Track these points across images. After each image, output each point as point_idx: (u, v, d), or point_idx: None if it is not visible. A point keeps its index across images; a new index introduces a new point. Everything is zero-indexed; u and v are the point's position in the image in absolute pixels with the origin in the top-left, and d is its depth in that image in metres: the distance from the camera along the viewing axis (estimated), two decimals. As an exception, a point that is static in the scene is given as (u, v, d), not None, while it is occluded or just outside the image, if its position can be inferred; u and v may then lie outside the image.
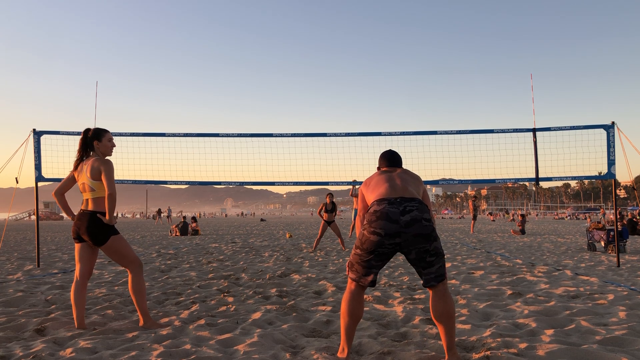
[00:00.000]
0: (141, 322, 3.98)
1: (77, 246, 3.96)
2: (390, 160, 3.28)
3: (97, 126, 4.19)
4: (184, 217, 21.08)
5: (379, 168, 3.37)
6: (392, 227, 2.78)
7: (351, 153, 8.56)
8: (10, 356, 3.17)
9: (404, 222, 2.78)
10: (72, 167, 4.08)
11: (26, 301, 5.10)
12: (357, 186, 12.43)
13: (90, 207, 3.83)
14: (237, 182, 8.73)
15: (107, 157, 3.96)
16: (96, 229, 3.78)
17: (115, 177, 8.49)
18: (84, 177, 3.85)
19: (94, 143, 3.92)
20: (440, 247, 2.91)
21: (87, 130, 3.96)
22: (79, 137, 8.57)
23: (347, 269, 3.04)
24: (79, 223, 3.84)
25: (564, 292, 5.40)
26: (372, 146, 8.61)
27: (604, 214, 24.33)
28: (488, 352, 3.11)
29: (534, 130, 8.07)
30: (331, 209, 11.58)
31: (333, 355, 3.07)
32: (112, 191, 3.73)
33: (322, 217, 11.50)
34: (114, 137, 8.60)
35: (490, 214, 66.09)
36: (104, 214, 3.81)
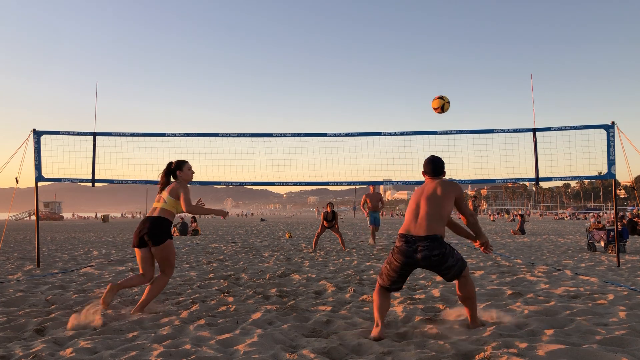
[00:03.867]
0: (134, 310, 4.50)
1: (137, 253, 4.57)
2: (429, 168, 3.98)
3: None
4: (182, 218, 21.02)
5: (423, 172, 4.05)
6: (409, 261, 3.67)
7: (351, 153, 8.56)
8: (10, 356, 3.17)
9: (417, 257, 3.63)
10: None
11: (26, 301, 5.11)
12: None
13: (156, 214, 4.57)
14: (237, 182, 8.72)
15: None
16: (157, 231, 4.47)
17: (115, 177, 8.54)
18: (164, 194, 4.67)
19: (177, 172, 4.77)
20: (453, 262, 3.66)
21: (170, 163, 4.82)
22: (79, 137, 8.59)
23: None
24: (142, 226, 4.53)
25: (564, 292, 5.40)
26: (372, 146, 8.61)
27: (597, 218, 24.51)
28: (488, 352, 3.12)
29: (534, 130, 8.07)
30: (331, 218, 11.58)
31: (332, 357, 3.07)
32: (189, 209, 4.55)
33: (323, 223, 11.60)
34: (113, 137, 8.62)
35: (498, 213, 65.61)
36: (164, 219, 4.56)
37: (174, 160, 4.86)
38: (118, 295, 5.41)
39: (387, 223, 37.75)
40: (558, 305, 4.59)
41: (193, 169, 4.86)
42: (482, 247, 3.98)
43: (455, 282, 3.78)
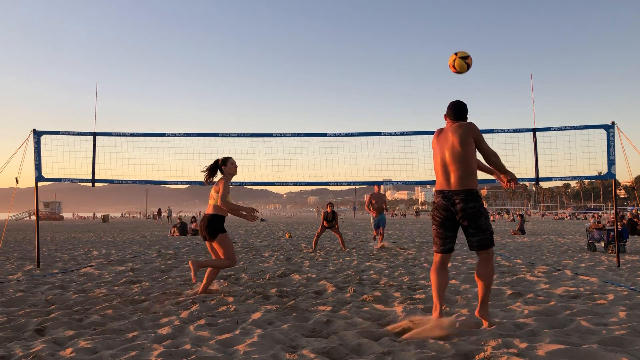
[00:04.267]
0: (200, 291, 5.33)
1: (207, 244, 5.39)
2: (450, 112, 3.93)
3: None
4: (180, 218, 21.00)
5: (445, 116, 3.99)
6: (449, 214, 3.77)
7: (351, 153, 8.56)
8: (10, 356, 3.17)
9: (456, 209, 3.72)
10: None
11: (26, 301, 5.10)
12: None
13: (209, 211, 5.23)
14: (237, 182, 8.72)
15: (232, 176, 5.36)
16: (210, 227, 5.17)
17: (116, 177, 8.54)
18: (213, 190, 5.32)
19: (223, 167, 5.32)
20: (485, 224, 3.74)
21: (217, 160, 5.39)
22: (79, 137, 8.58)
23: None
24: (201, 223, 5.27)
25: (564, 292, 5.40)
26: (372, 146, 8.60)
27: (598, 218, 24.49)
28: (488, 352, 3.12)
29: (534, 130, 8.07)
30: (331, 218, 11.59)
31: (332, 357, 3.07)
32: (223, 204, 5.07)
33: (323, 223, 11.61)
34: (113, 137, 8.62)
35: (499, 213, 65.22)
36: (215, 215, 5.21)
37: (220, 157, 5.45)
38: (118, 295, 5.41)
39: (388, 223, 37.77)
40: (558, 305, 4.59)
41: (237, 163, 5.42)
42: (509, 183, 3.99)
43: (479, 258, 3.81)
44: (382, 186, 11.81)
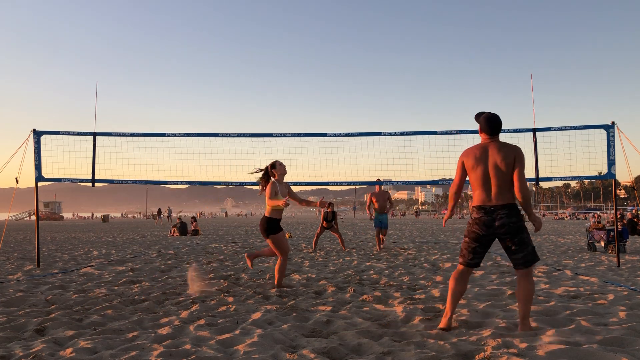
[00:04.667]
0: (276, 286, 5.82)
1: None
2: (486, 126, 3.81)
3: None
4: (180, 218, 21.01)
5: (480, 130, 3.85)
6: (489, 231, 3.64)
7: (351, 153, 8.56)
8: (10, 356, 3.17)
9: (496, 225, 3.61)
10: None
11: (26, 301, 5.10)
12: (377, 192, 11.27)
13: (266, 213, 5.81)
14: (237, 182, 8.72)
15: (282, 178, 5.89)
16: (265, 227, 5.75)
17: (116, 177, 8.54)
18: (267, 194, 5.76)
19: (272, 171, 5.82)
20: (527, 238, 3.63)
21: (267, 166, 5.90)
22: (79, 137, 8.58)
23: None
24: (259, 223, 5.88)
25: (564, 292, 5.39)
26: (372, 146, 8.60)
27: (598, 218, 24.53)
28: (488, 352, 3.12)
29: (534, 130, 8.06)
30: (331, 218, 11.61)
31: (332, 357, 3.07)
32: (270, 204, 5.70)
33: (322, 223, 11.65)
34: (113, 137, 8.62)
35: None
36: (266, 218, 5.76)
37: (270, 161, 5.95)
38: (118, 295, 5.41)
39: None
40: (558, 305, 4.59)
41: (284, 163, 5.92)
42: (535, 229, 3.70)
43: (519, 275, 3.65)
44: (382, 186, 11.15)
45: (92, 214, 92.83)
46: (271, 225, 5.74)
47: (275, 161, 5.89)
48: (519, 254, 3.60)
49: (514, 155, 3.61)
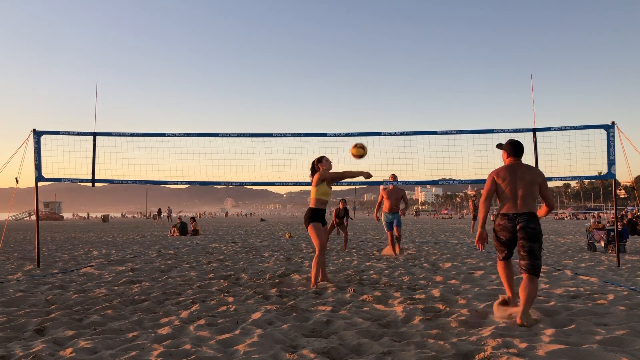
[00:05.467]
0: (314, 283, 5.94)
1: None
2: (512, 150, 4.44)
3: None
4: (180, 218, 21.01)
5: (506, 154, 4.46)
6: (510, 235, 4.23)
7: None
8: (10, 356, 3.17)
9: (517, 229, 4.17)
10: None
11: (26, 301, 5.10)
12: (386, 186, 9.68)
13: (310, 205, 6.12)
14: (237, 182, 8.72)
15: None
16: (309, 215, 6.04)
17: (116, 177, 8.54)
18: (312, 187, 6.12)
19: (319, 165, 6.15)
20: (539, 247, 4.12)
21: (313, 161, 6.23)
22: (79, 137, 8.59)
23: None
24: (305, 214, 6.14)
25: (564, 292, 5.39)
26: (372, 146, 8.60)
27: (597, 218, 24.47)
28: (488, 352, 3.12)
29: (534, 130, 8.06)
30: (343, 215, 11.57)
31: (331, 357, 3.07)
32: (325, 174, 6.02)
33: (333, 220, 11.61)
34: (113, 137, 8.62)
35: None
36: (311, 209, 6.06)
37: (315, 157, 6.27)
38: (118, 295, 5.42)
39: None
40: (558, 305, 4.59)
41: (330, 159, 6.23)
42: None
43: (525, 277, 4.05)
44: (380, 186, 9.71)
45: (87, 214, 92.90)
46: (314, 214, 6.01)
47: (322, 156, 6.23)
48: (524, 260, 4.09)
49: (540, 177, 4.30)
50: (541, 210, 4.49)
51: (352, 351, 3.31)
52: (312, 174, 6.24)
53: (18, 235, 20.12)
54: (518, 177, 4.26)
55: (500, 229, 4.28)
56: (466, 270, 7.45)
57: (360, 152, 6.21)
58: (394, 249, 9.67)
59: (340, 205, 11.73)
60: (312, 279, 5.97)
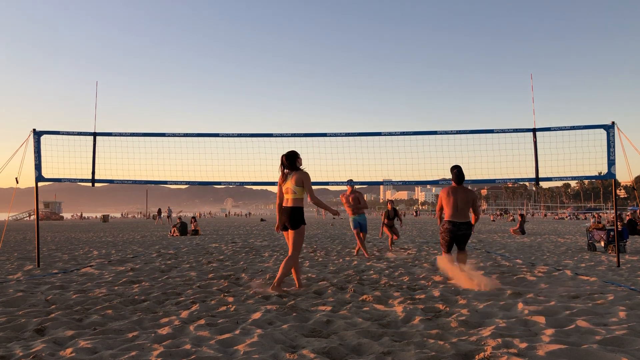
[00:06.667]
0: (273, 283, 5.64)
1: (284, 234, 5.86)
2: (458, 179, 6.42)
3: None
4: (180, 218, 20.99)
5: (452, 179, 6.48)
6: (453, 236, 6.30)
7: (351, 153, 8.56)
8: (10, 356, 3.17)
9: (459, 234, 6.28)
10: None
11: (26, 301, 5.10)
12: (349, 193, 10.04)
13: (290, 204, 5.66)
14: (237, 182, 8.72)
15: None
16: (295, 219, 5.63)
17: (116, 177, 8.54)
18: (290, 184, 5.66)
19: (298, 160, 5.76)
20: (468, 238, 6.41)
21: (291, 155, 5.77)
22: (79, 137, 8.59)
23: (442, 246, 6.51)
24: (284, 216, 5.71)
25: (564, 292, 5.39)
26: (372, 146, 8.60)
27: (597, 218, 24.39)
28: (488, 352, 3.12)
29: (534, 130, 8.06)
30: (393, 216, 11.40)
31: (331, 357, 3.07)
32: (314, 201, 5.72)
33: (383, 222, 11.41)
34: (113, 137, 8.63)
35: (500, 214, 63.71)
36: (300, 209, 5.67)
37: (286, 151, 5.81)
38: (118, 295, 5.42)
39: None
40: (558, 305, 4.59)
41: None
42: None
43: (459, 251, 6.44)
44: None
45: (82, 214, 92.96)
46: (303, 216, 5.68)
47: (297, 152, 5.83)
48: (463, 244, 6.39)
49: (474, 197, 6.37)
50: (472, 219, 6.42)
51: (352, 351, 3.31)
52: (290, 169, 5.73)
53: (18, 235, 20.12)
54: (458, 195, 6.25)
55: (446, 231, 6.29)
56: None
57: None
58: (364, 249, 9.93)
59: (389, 207, 11.58)
60: (281, 278, 5.65)
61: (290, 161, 5.73)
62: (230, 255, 10.12)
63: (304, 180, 5.62)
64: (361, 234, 9.97)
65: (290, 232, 5.72)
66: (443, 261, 6.35)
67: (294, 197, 5.67)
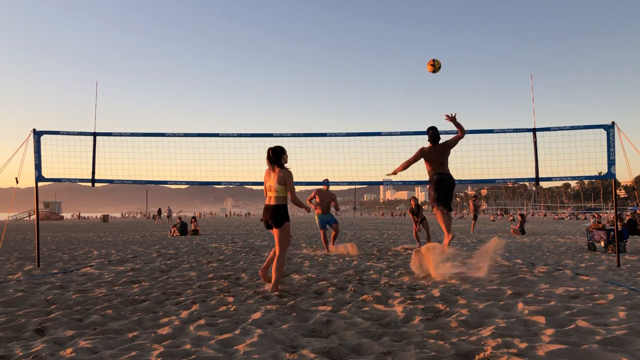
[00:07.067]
0: (271, 288, 5.59)
1: (272, 231, 5.75)
2: (434, 139, 7.08)
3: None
4: (180, 218, 20.99)
5: (429, 140, 7.09)
6: (444, 186, 6.88)
7: (351, 153, 8.56)
8: (10, 356, 3.17)
9: (448, 182, 6.92)
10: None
11: (26, 301, 5.10)
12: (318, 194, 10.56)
13: (272, 202, 5.61)
14: (237, 182, 8.72)
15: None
16: (278, 217, 5.57)
17: (116, 177, 8.55)
18: (273, 183, 5.61)
19: (284, 157, 5.71)
20: (454, 188, 7.04)
21: (277, 150, 5.68)
22: (79, 137, 8.59)
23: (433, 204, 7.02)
24: (267, 214, 5.65)
25: (564, 292, 5.39)
26: (372, 146, 8.60)
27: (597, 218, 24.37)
28: (488, 352, 3.12)
29: (534, 130, 8.06)
30: (417, 212, 11.78)
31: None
32: (293, 199, 5.77)
33: (413, 219, 11.90)
34: (113, 137, 8.63)
35: (500, 214, 63.40)
36: (283, 207, 5.62)
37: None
38: (118, 295, 5.42)
39: (388, 223, 37.76)
40: (558, 305, 4.59)
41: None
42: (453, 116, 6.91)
43: (446, 212, 6.92)
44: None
45: (79, 214, 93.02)
46: (287, 213, 5.68)
47: (284, 148, 5.85)
48: (449, 202, 6.92)
49: (449, 143, 7.01)
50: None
51: (352, 351, 3.31)
52: (275, 164, 5.66)
53: (18, 235, 20.12)
54: (438, 152, 6.95)
55: (436, 181, 6.86)
56: (466, 270, 7.45)
57: (437, 64, 7.31)
58: (327, 246, 10.66)
59: (412, 203, 11.92)
60: (277, 280, 5.64)
61: (276, 156, 5.65)
62: (230, 255, 10.12)
63: (286, 179, 5.57)
64: (332, 231, 10.67)
65: (275, 231, 5.66)
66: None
67: (276, 195, 5.63)
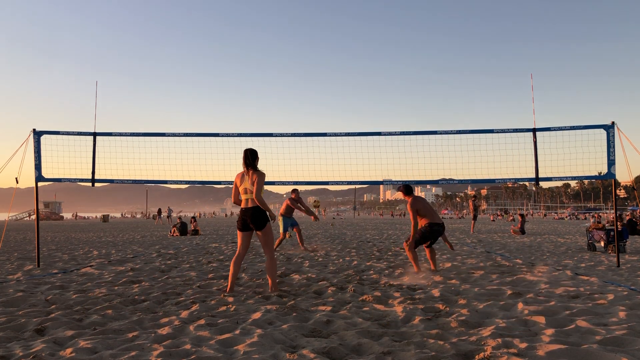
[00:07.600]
0: (270, 289, 5.57)
1: (239, 234, 5.62)
2: (410, 191, 7.42)
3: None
4: (180, 218, 20.98)
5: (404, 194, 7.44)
6: (437, 235, 7.16)
7: (351, 153, 8.55)
8: (10, 356, 3.17)
9: (440, 231, 7.19)
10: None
11: (26, 301, 5.10)
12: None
13: (251, 205, 5.49)
14: (237, 182, 8.70)
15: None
16: (259, 219, 5.46)
17: (116, 177, 8.54)
18: (248, 185, 5.49)
19: (257, 161, 5.61)
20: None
21: (255, 152, 5.63)
22: (79, 137, 8.59)
23: (411, 244, 7.24)
24: (245, 216, 5.50)
25: (564, 292, 5.39)
26: (372, 146, 8.60)
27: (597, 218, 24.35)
28: (488, 352, 3.12)
29: (534, 130, 8.06)
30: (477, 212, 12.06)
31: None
32: (258, 198, 5.43)
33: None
34: (113, 137, 8.62)
35: (500, 214, 63.28)
36: (262, 209, 5.49)
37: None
38: (118, 295, 5.41)
39: (388, 223, 37.76)
40: (558, 305, 4.59)
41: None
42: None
43: (430, 249, 7.48)
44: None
45: (76, 214, 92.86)
46: (266, 214, 5.55)
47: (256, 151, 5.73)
48: (434, 241, 7.20)
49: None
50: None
51: (352, 351, 3.31)
52: (250, 167, 5.57)
53: (18, 235, 20.12)
54: (425, 202, 7.35)
55: (431, 230, 7.12)
56: (466, 270, 7.45)
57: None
58: (279, 242, 11.09)
59: (471, 204, 12.13)
60: (274, 280, 5.62)
61: (253, 158, 5.58)
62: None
63: (257, 178, 5.44)
64: (295, 229, 11.33)
65: (258, 234, 5.52)
66: (410, 256, 7.28)
67: (252, 197, 5.50)
